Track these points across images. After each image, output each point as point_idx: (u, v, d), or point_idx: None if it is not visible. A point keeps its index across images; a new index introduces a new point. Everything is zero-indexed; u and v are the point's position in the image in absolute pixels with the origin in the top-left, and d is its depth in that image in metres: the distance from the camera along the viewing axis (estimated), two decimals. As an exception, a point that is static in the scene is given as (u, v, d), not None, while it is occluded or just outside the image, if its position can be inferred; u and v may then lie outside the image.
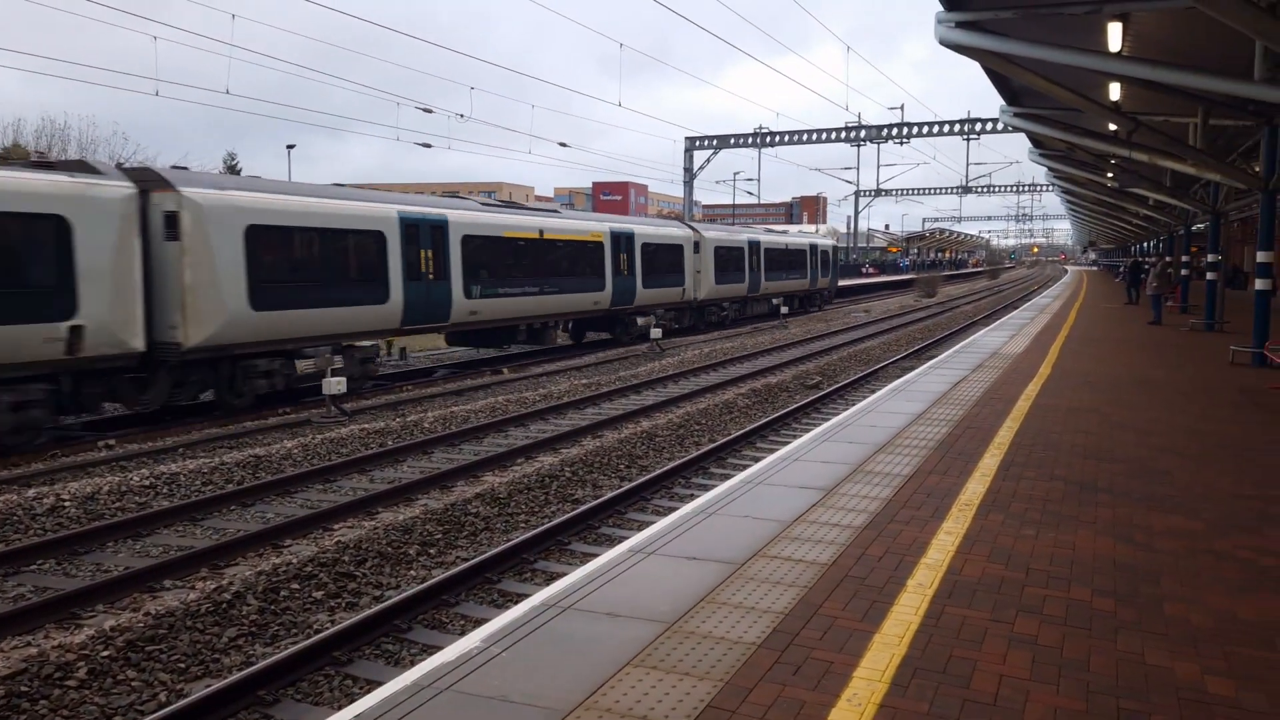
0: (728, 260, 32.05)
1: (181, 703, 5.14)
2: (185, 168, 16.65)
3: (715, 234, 32.15)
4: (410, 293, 17.90)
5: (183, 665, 5.93)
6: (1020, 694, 3.64)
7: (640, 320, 25.59)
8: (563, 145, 39.04)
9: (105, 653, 5.88)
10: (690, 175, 48.51)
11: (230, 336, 14.33)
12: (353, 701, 4.41)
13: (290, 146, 51.75)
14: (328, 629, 6.33)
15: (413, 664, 5.80)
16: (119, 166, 14.92)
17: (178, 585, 7.31)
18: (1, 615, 6.43)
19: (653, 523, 6.49)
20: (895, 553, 5.34)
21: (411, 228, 18.05)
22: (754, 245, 34.35)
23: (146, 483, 10.21)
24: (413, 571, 7.73)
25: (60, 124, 48.16)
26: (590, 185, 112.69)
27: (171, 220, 13.60)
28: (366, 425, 13.59)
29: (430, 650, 5.97)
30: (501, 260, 20.80)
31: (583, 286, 23.98)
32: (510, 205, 24.28)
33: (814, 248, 41.33)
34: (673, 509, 8.83)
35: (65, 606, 6.73)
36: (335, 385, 14.63)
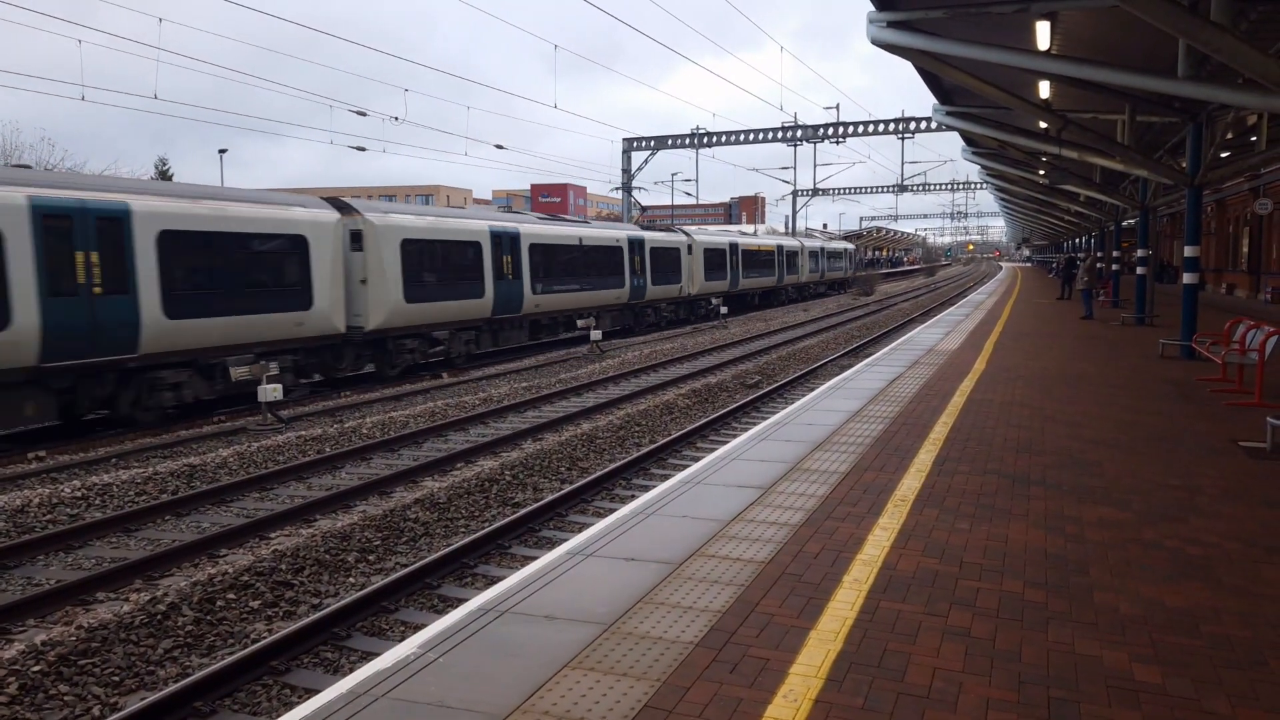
0: (714, 260, 37.17)
1: (115, 716, 5.04)
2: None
3: (704, 238, 36.95)
4: (498, 289, 22.54)
5: (117, 678, 5.79)
6: (953, 685, 3.72)
7: (580, 322, 25.66)
8: (499, 148, 38.70)
9: (36, 668, 5.74)
10: (628, 176, 48.61)
11: (392, 322, 19.11)
12: (289, 710, 4.33)
13: (222, 151, 50.59)
14: (265, 638, 6.21)
15: (350, 671, 5.71)
16: (325, 199, 19.04)
17: (111, 597, 7.13)
18: (-83, 635, 6.18)
19: (592, 524, 6.49)
20: (832, 549, 5.41)
21: (497, 238, 22.58)
22: (733, 247, 39.43)
23: (78, 494, 9.91)
24: (351, 579, 7.61)
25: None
26: (529, 187, 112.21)
27: (356, 237, 18.46)
28: (304, 432, 13.34)
29: (370, 657, 5.88)
30: (556, 263, 25.17)
31: (607, 284, 28.49)
32: (556, 218, 28.62)
33: (780, 249, 46.31)
34: (612, 510, 8.84)
35: (-11, 625, 6.51)
36: (270, 392, 14.33)
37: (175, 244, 14.59)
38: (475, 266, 21.66)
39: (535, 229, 24.37)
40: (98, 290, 13.46)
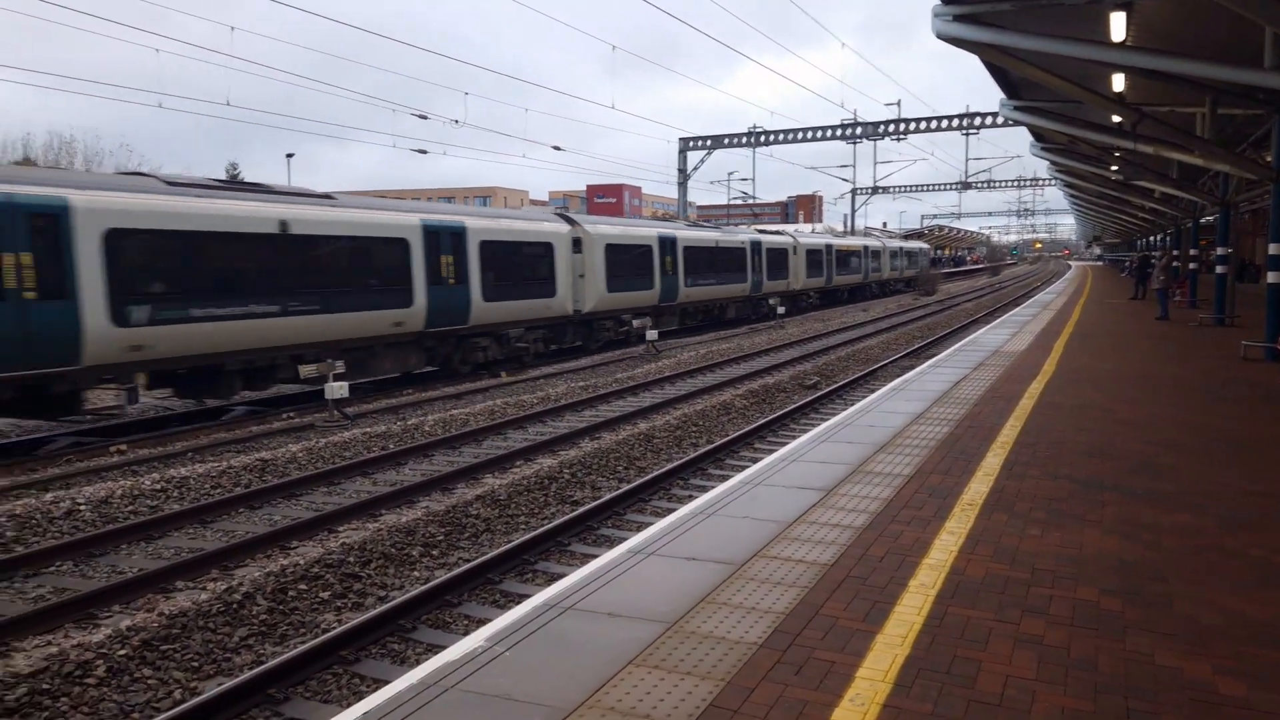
0: (813, 259, 41.82)
1: (195, 700, 5.22)
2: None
3: (805, 240, 42.07)
4: (663, 283, 27.98)
5: (196, 664, 6.00)
6: (1026, 694, 3.64)
7: (636, 322, 25.99)
8: (556, 149, 39.00)
9: (122, 651, 5.97)
10: (684, 176, 48.51)
11: (598, 307, 24.81)
12: (360, 699, 4.43)
13: (289, 155, 51.90)
14: (335, 629, 6.37)
15: (418, 663, 5.82)
16: (555, 211, 25.84)
17: (189, 586, 7.37)
18: (23, 615, 6.52)
19: (651, 524, 6.49)
20: (897, 553, 5.33)
21: (662, 243, 27.84)
22: (829, 248, 44.38)
23: (158, 486, 10.26)
24: (416, 572, 7.75)
25: (66, 137, 48.43)
26: (585, 188, 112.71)
27: (577, 243, 24.00)
28: (368, 429, 13.61)
29: (435, 649, 6.00)
30: (699, 263, 30.34)
31: (735, 280, 33.50)
32: (696, 224, 34.15)
33: (866, 248, 51.02)
34: (671, 510, 8.84)
35: (83, 607, 6.83)
36: (338, 390, 14.66)
37: (491, 250, 20.75)
38: (648, 265, 27.27)
39: (686, 234, 30.12)
40: (452, 282, 19.61)
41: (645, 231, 27.65)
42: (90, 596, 6.93)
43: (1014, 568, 5.07)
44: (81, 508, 9.42)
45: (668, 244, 28.24)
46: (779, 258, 37.32)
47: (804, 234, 45.19)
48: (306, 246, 16.04)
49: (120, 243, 13.19)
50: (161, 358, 13.94)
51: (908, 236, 78.95)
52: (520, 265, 21.74)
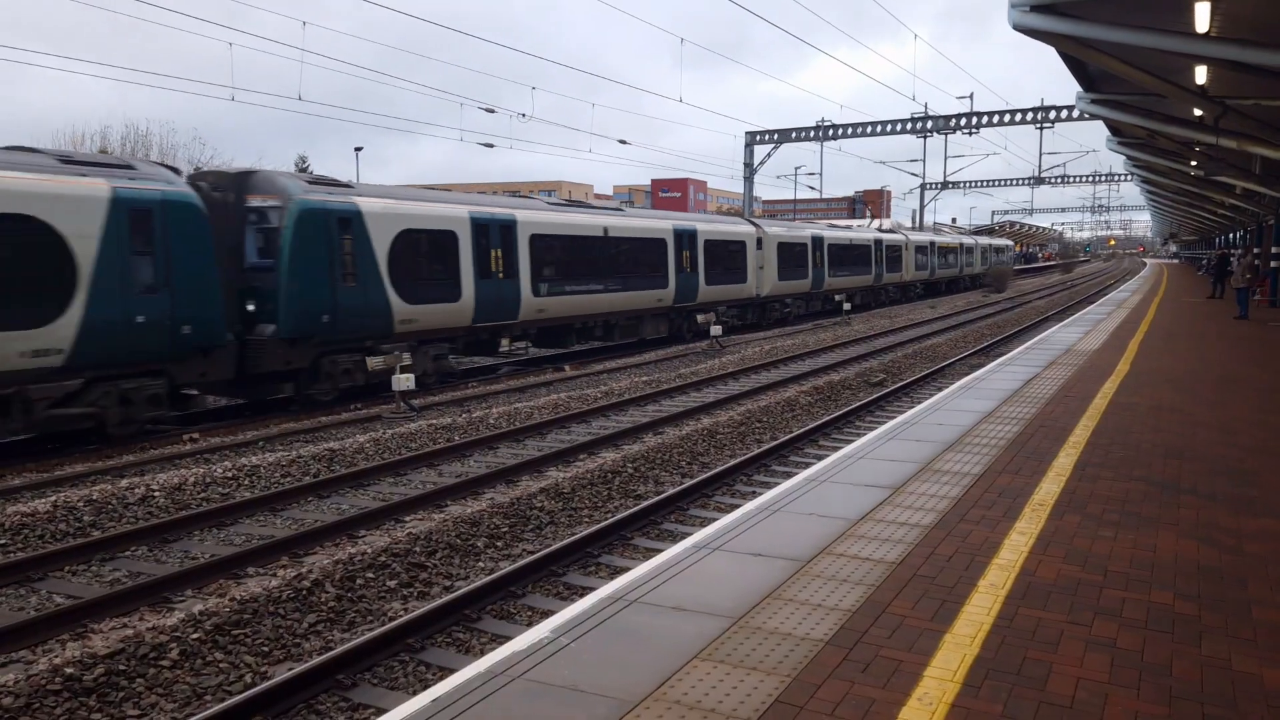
0: (922, 254, 48.30)
1: (266, 684, 5.34)
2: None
3: (917, 237, 48.42)
4: (814, 275, 34.53)
5: (266, 649, 6.16)
6: (1099, 697, 3.56)
7: (700, 318, 26.11)
8: (623, 143, 39.00)
9: (195, 635, 6.14)
10: (750, 170, 48.11)
11: (773, 293, 31.05)
12: (428, 687, 4.53)
13: (358, 149, 52.91)
14: (402, 617, 6.49)
15: (483, 652, 5.93)
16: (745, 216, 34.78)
17: (260, 573, 7.57)
18: (101, 598, 6.77)
19: (715, 519, 6.50)
20: (966, 553, 5.25)
21: (814, 241, 33.98)
22: (933, 245, 50.76)
23: (229, 474, 10.57)
24: (481, 563, 7.87)
25: (142, 130, 50.14)
26: (649, 182, 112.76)
27: (759, 242, 30.02)
28: (434, 421, 13.85)
29: (500, 640, 6.08)
30: (839, 258, 36.06)
31: (861, 273, 39.68)
32: (835, 225, 40.95)
33: (961, 245, 57.16)
34: (735, 506, 8.82)
35: (158, 591, 7.06)
36: (404, 382, 14.94)
37: (711, 248, 27.27)
38: (805, 259, 33.48)
39: (830, 235, 36.34)
40: (688, 270, 26.09)
41: (802, 233, 34.03)
42: (164, 581, 7.15)
43: (1086, 570, 4.95)
44: (155, 494, 9.76)
45: (818, 242, 34.75)
46: (895, 253, 43.87)
47: (913, 233, 52.26)
48: (615, 245, 23.14)
49: (536, 244, 20.23)
50: (549, 318, 20.77)
51: (977, 232, 77.62)
52: (725, 258, 28.19)
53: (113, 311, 12.31)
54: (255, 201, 15.22)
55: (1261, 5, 11.75)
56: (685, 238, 26.00)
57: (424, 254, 17.48)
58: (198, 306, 13.40)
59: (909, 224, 67.78)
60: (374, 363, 15.44)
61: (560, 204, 23.71)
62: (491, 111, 30.26)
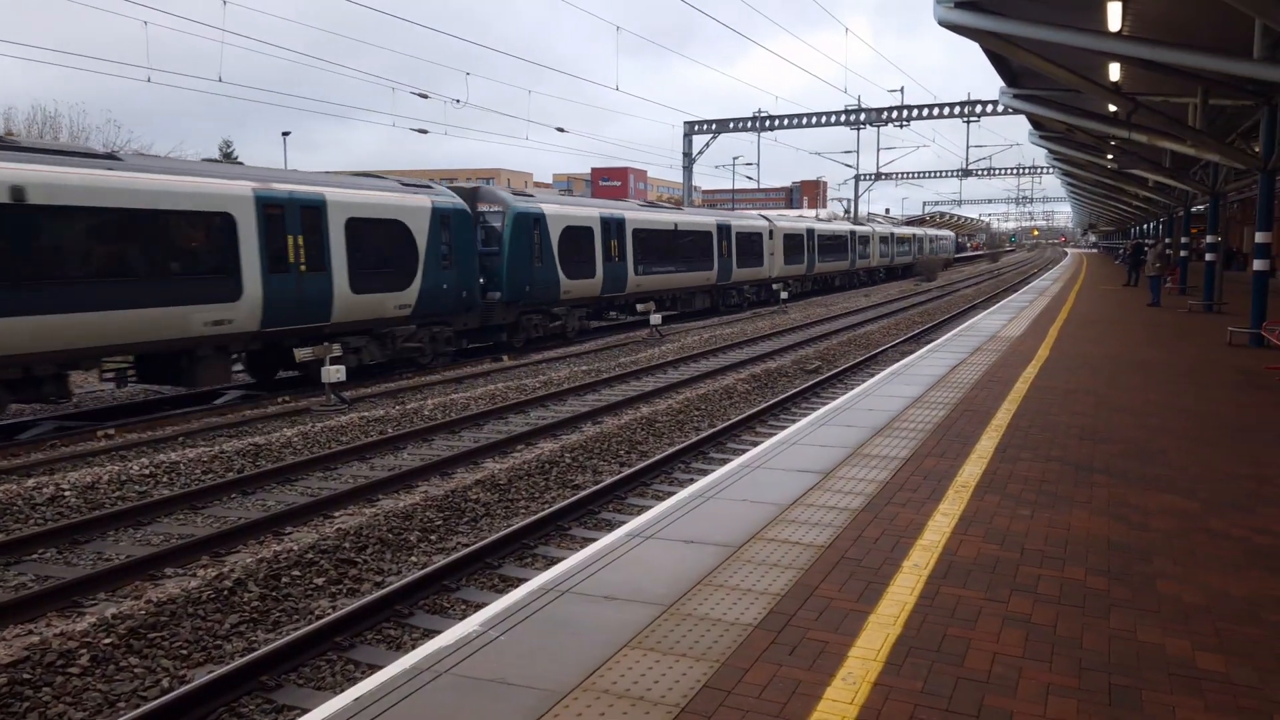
0: (886, 243, 57.05)
1: (184, 689, 5.18)
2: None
3: (883, 229, 57.53)
4: (851, 259, 47.19)
5: (185, 652, 5.96)
6: (1014, 671, 3.68)
7: (640, 306, 26.15)
8: (560, 130, 38.79)
9: (107, 640, 5.91)
10: (689, 160, 48.33)
11: (779, 275, 37.27)
12: (353, 684, 4.45)
13: (286, 133, 51.62)
14: (329, 615, 6.37)
15: (413, 648, 5.85)
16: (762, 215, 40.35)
17: (179, 573, 7.33)
18: (3, 604, 6.46)
19: (652, 507, 6.52)
20: (892, 534, 5.37)
21: (725, 229, 33.44)
22: (893, 235, 59.77)
23: (147, 472, 10.23)
24: (414, 558, 7.77)
25: (51, 112, 47.99)
26: (590, 170, 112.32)
27: (771, 234, 36.20)
28: (366, 413, 13.61)
29: (431, 635, 6.01)
30: (745, 248, 36.58)
31: (835, 260, 46.36)
32: (871, 220, 52.30)
33: (914, 236, 64.94)
34: (672, 494, 8.87)
35: (67, 595, 6.77)
36: (334, 373, 14.65)
37: (740, 239, 33.44)
38: (801, 248, 40.27)
39: (820, 227, 44.24)
40: (726, 256, 32.46)
41: (799, 225, 41.57)
42: (75, 584, 6.85)
43: (1005, 548, 5.11)
44: (66, 494, 9.34)
45: (810, 234, 41.93)
46: (865, 242, 51.97)
47: (878, 225, 61.38)
48: (682, 237, 29.28)
49: (636, 236, 26.34)
50: (641, 292, 26.77)
51: (909, 223, 79.61)
52: (749, 247, 34.76)
53: (433, 281, 18.40)
54: (484, 208, 21.52)
55: (1168, 6, 12.23)
56: (724, 230, 32.28)
57: (576, 244, 23.53)
58: (468, 279, 19.58)
59: (843, 214, 68.94)
60: (302, 353, 15.09)
61: (646, 205, 31.07)
62: (425, 97, 29.79)
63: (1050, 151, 30.47)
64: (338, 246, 16.20)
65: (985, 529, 5.45)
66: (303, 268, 15.48)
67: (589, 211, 24.73)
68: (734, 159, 67.68)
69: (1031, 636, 4.00)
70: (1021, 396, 9.99)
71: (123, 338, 13.06)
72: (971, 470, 6.82)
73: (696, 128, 47.92)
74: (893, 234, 59.28)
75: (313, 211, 15.83)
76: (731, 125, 47.34)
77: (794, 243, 39.35)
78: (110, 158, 13.81)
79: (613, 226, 25.22)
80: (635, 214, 27.01)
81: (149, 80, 23.69)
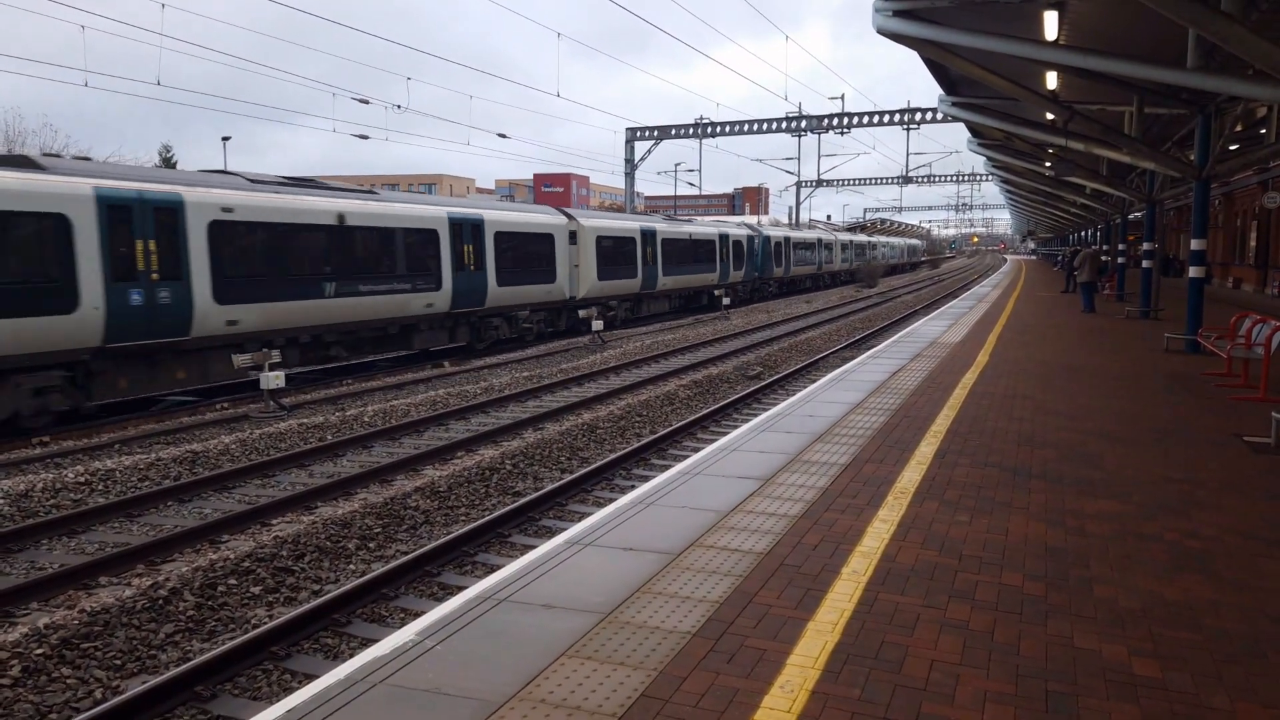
0: (848, 249, 63.37)
1: (117, 700, 5.05)
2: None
3: (845, 236, 65.04)
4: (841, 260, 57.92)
5: (119, 662, 5.82)
6: (951, 678, 3.71)
7: (582, 312, 26.09)
8: (502, 136, 38.62)
9: (39, 650, 5.76)
10: (631, 166, 48.37)
11: (767, 276, 45.07)
12: (288, 694, 4.35)
13: (226, 138, 50.56)
14: (265, 624, 6.23)
15: (350, 658, 5.73)
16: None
17: (114, 582, 7.14)
18: (-80, 618, 6.21)
19: (592, 514, 6.48)
20: (831, 541, 5.40)
21: (724, 237, 38.29)
22: (852, 241, 66.03)
23: (81, 479, 9.93)
24: (352, 566, 7.64)
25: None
26: (532, 176, 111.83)
27: (768, 240, 44.55)
28: (305, 420, 13.36)
29: (369, 644, 5.90)
30: (737, 254, 40.37)
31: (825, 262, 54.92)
32: (736, 223, 48.53)
33: (868, 242, 71.16)
34: (612, 500, 8.85)
35: (-5, 606, 6.54)
36: (274, 379, 14.34)
37: (734, 246, 38.77)
38: (783, 252, 46.66)
39: (795, 235, 49.93)
40: (725, 262, 38.13)
41: (779, 233, 47.44)
42: (6, 594, 6.68)
43: (943, 554, 5.17)
44: (-1, 502, 9.07)
45: (788, 240, 47.50)
46: (829, 248, 57.10)
47: (841, 232, 68.41)
48: (696, 245, 35.14)
49: (665, 245, 32.09)
50: (666, 290, 32.54)
51: (851, 229, 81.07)
52: (743, 253, 40.26)
53: (456, 282, 21.24)
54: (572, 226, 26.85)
55: (1105, 16, 12.57)
56: (725, 240, 38.00)
57: (617, 252, 28.76)
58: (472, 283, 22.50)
59: (785, 220, 69.88)
60: (240, 360, 14.74)
61: (668, 218, 36.81)
62: (366, 103, 29.39)
63: (989, 159, 31.16)
64: (490, 253, 22.50)
65: (924, 535, 5.52)
66: (472, 268, 21.70)
67: (629, 224, 30.41)
68: (676, 165, 68.03)
69: (969, 643, 4.04)
70: (960, 402, 10.16)
71: (388, 313, 19.25)
72: (911, 476, 6.91)
73: (639, 134, 48.01)
74: (852, 240, 65.96)
75: (475, 228, 21.99)
76: (674, 132, 47.52)
77: (778, 247, 45.59)
78: (369, 192, 20.25)
79: (650, 236, 31.02)
80: (665, 226, 32.90)
81: (86, 84, 22.98)
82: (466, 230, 21.39)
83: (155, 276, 14.35)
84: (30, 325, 12.56)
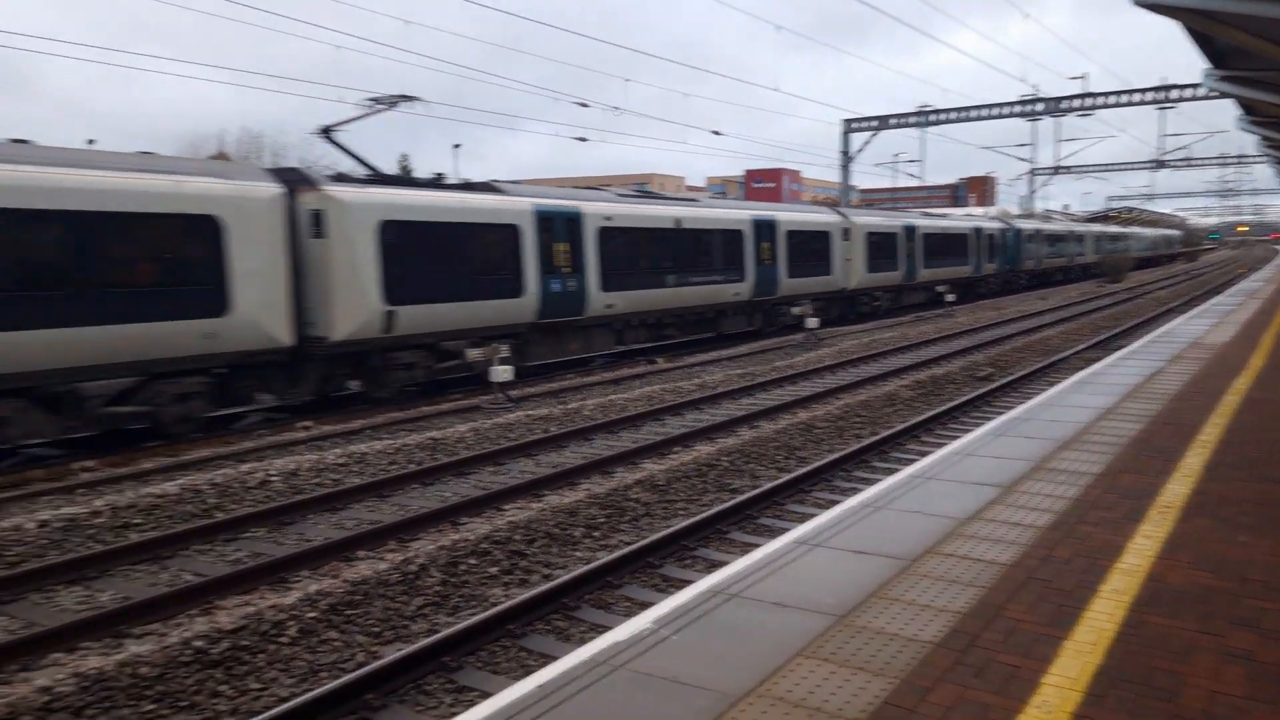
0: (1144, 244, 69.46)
1: (377, 664, 5.49)
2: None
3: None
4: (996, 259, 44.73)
5: (376, 629, 6.34)
6: (1237, 713, 3.33)
7: (795, 310, 25.82)
8: (716, 134, 38.69)
9: (311, 614, 6.38)
10: (847, 159, 47.09)
11: (1029, 268, 46.84)
12: (530, 672, 4.58)
13: (456, 145, 54.23)
14: (504, 603, 6.59)
15: (582, 640, 5.97)
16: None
17: (369, 556, 7.79)
18: (225, 576, 7.11)
19: (815, 515, 6.37)
20: (1085, 555, 4.99)
21: (1005, 230, 41.36)
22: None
23: (340, 461, 10.96)
24: (578, 552, 7.93)
25: (255, 132, 52.33)
26: (744, 173, 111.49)
27: (1019, 234, 44.82)
28: (531, 411, 14.04)
29: (597, 629, 6.12)
30: (994, 248, 41.18)
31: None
32: (993, 218, 46.11)
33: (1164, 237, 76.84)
34: (834, 502, 8.65)
35: (276, 571, 7.36)
36: (503, 373, 15.20)
37: (990, 240, 39.30)
38: (1040, 243, 47.27)
39: (1046, 228, 48.88)
40: (981, 256, 39.23)
41: (1032, 225, 46.44)
42: (282, 561, 7.46)
43: (1220, 577, 4.64)
44: (273, 479, 10.19)
45: (1039, 232, 46.72)
46: (1080, 239, 56.39)
47: (1093, 225, 65.86)
48: (955, 239, 37.40)
49: (870, 238, 30.40)
50: (868, 286, 30.89)
51: (1091, 220, 74.91)
52: (998, 247, 41.16)
53: (756, 274, 24.40)
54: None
55: None
56: (979, 233, 38.42)
57: (882, 247, 30.44)
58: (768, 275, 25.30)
59: (1016, 211, 65.47)
60: (473, 354, 15.76)
61: (925, 214, 37.59)
62: (586, 106, 30.45)
63: (1263, 139, 27.70)
64: (782, 249, 25.54)
65: (1195, 555, 4.98)
66: (768, 262, 24.76)
67: (821, 218, 29.41)
68: (895, 155, 65.41)
69: (1256, 675, 3.61)
70: (1233, 410, 9.10)
71: (706, 300, 22.79)
72: (1176, 489, 6.27)
73: (855, 125, 46.61)
74: (1105, 231, 64.67)
75: (771, 228, 25.02)
76: (893, 121, 45.72)
77: (1035, 239, 46.27)
78: (692, 200, 24.29)
79: (909, 232, 32.91)
80: (864, 218, 32.07)
81: (340, 100, 25.39)
82: (765, 230, 24.81)
83: (566, 270, 18.89)
84: (500, 306, 17.21)
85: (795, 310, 25.53)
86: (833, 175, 50.57)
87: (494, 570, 7.41)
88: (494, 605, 6.72)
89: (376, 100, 16.48)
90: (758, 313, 25.14)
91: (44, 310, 11.15)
